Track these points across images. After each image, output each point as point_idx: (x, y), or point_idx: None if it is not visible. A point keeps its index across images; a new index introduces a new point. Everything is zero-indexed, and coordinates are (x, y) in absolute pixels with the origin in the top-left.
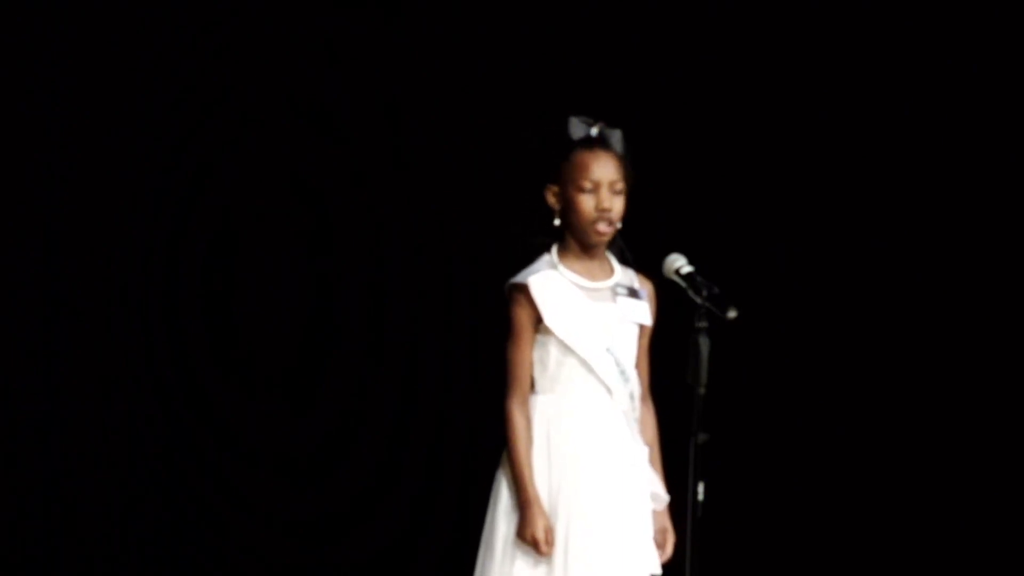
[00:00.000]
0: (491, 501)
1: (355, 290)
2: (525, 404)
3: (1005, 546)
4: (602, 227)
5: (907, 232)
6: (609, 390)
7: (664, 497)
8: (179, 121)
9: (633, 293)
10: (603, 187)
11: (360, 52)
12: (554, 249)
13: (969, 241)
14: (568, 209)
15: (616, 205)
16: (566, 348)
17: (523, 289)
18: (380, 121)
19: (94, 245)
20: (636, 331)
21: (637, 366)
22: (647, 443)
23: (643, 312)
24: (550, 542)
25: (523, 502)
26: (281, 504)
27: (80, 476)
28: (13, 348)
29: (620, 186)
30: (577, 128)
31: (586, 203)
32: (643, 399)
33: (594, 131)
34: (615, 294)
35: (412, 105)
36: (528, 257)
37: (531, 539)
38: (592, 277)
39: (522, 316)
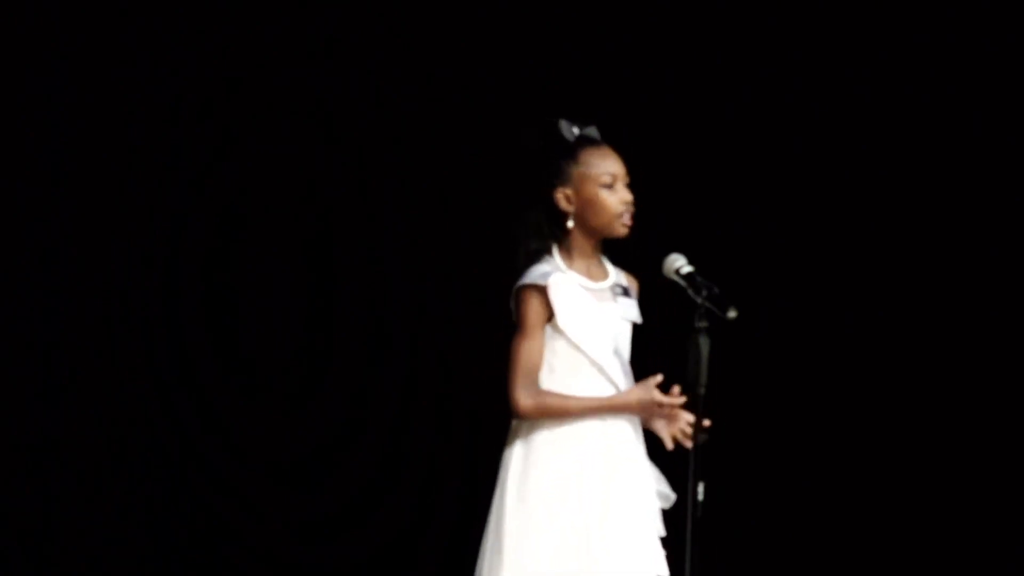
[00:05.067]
0: (496, 493)
1: (355, 290)
2: (534, 389)
3: (1005, 546)
4: (628, 219)
5: (908, 232)
6: (618, 390)
7: (671, 495)
8: (179, 121)
9: (626, 292)
10: (619, 180)
11: (360, 52)
12: (555, 251)
13: (969, 242)
14: (588, 207)
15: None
16: (574, 349)
17: (541, 290)
18: (380, 121)
19: (94, 245)
20: (630, 330)
21: None
22: None
23: (636, 311)
24: (658, 393)
25: (617, 407)
26: (281, 504)
27: (80, 476)
28: (13, 348)
29: (627, 179)
30: (570, 129)
31: (610, 198)
32: None
33: (591, 129)
34: (614, 294)
35: (412, 105)
36: (525, 260)
37: (653, 407)
38: (594, 278)
39: (535, 315)
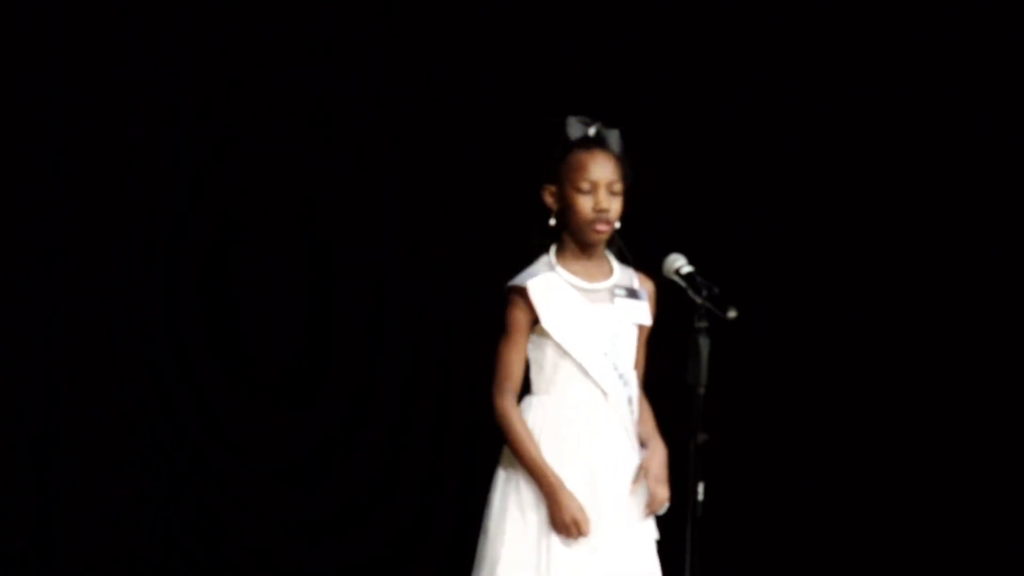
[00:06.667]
0: (489, 496)
1: (355, 290)
2: (514, 400)
3: (1005, 546)
4: (600, 227)
5: (908, 232)
6: (605, 393)
7: (664, 497)
8: (179, 121)
9: (632, 293)
10: (600, 187)
11: (360, 52)
12: (552, 250)
13: (969, 242)
14: (566, 209)
15: (614, 205)
16: (562, 350)
17: (522, 292)
18: (380, 121)
19: (94, 245)
20: (635, 332)
21: (636, 366)
22: (648, 435)
23: (642, 312)
24: (586, 522)
25: (548, 490)
26: (281, 504)
27: (80, 476)
28: (14, 348)
29: (618, 187)
30: (575, 128)
31: (584, 204)
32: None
33: (592, 131)
34: (613, 295)
35: (412, 105)
36: (527, 257)
37: (569, 523)
38: (590, 278)
39: (518, 317)
